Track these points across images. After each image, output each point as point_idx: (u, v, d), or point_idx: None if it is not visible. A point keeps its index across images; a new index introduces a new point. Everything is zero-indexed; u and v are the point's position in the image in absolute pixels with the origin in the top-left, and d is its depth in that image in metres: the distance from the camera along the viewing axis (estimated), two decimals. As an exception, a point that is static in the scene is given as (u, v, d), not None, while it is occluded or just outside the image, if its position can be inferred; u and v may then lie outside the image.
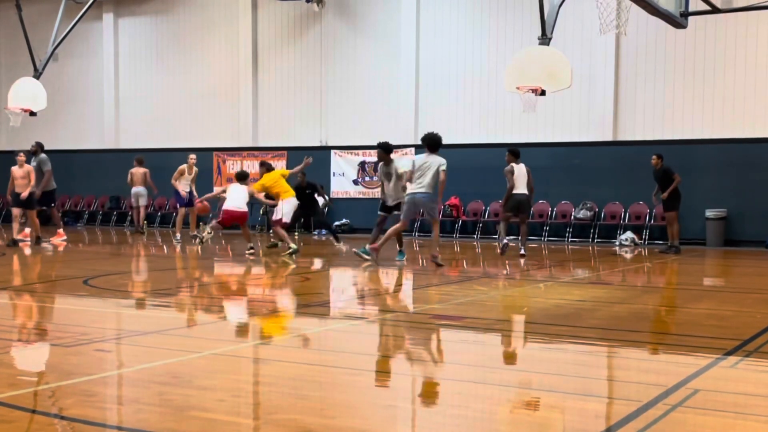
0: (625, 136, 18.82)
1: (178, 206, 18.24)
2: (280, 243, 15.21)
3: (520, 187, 13.86)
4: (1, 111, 20.37)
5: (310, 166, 15.27)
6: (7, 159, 26.65)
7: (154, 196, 21.72)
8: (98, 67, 25.31)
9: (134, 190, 20.49)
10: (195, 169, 18.12)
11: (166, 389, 4.59)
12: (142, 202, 20.68)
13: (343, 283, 11.40)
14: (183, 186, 17.67)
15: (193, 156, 18.19)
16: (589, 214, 18.90)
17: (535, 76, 13.27)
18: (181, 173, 17.67)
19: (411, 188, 11.92)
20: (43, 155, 17.46)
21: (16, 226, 15.94)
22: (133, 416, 4.11)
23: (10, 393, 4.40)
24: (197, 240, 15.52)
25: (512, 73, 13.63)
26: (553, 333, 6.68)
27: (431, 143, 11.97)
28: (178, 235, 17.63)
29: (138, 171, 20.39)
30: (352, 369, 5.34)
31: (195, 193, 17.98)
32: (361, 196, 21.63)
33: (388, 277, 11.73)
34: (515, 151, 14.20)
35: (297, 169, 15.62)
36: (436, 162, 11.79)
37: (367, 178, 21.60)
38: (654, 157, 15.41)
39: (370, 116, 21.49)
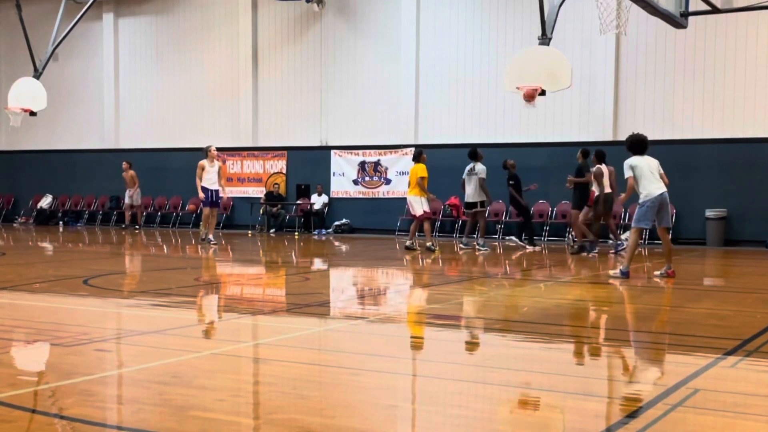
0: (625, 136, 18.56)
1: (201, 206, 16.91)
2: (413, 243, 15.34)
3: (608, 187, 14.74)
4: (1, 111, 20.38)
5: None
6: (8, 159, 26.76)
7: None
8: (98, 67, 25.31)
9: (135, 191, 22.18)
10: (217, 162, 16.53)
11: (166, 389, 4.59)
12: (129, 201, 22.57)
13: (343, 283, 11.40)
14: (208, 182, 16.19)
15: (212, 147, 16.61)
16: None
17: (535, 76, 13.27)
18: (202, 168, 16.27)
19: (657, 187, 10.62)
20: None
21: None
22: (133, 416, 4.11)
23: (10, 393, 4.40)
24: (206, 241, 15.79)
25: (512, 72, 13.63)
26: (553, 333, 6.68)
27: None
28: (211, 236, 16.54)
29: (128, 175, 22.22)
30: (352, 369, 5.34)
31: (224, 191, 16.68)
32: (361, 196, 21.62)
33: (388, 277, 11.74)
34: (601, 153, 14.82)
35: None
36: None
37: (367, 178, 21.59)
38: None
39: (370, 116, 21.49)
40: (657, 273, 11.02)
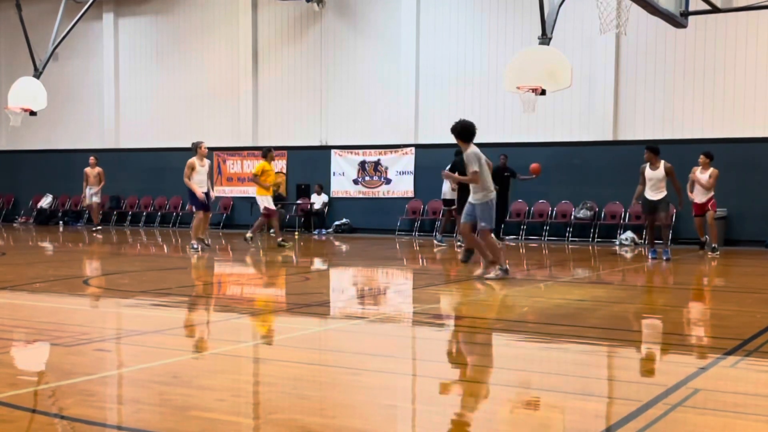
0: (625, 136, 18.81)
1: (194, 209, 15.12)
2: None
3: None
4: (1, 111, 20.37)
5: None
6: (8, 159, 26.75)
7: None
8: (98, 67, 25.31)
9: (93, 189, 21.21)
10: (207, 161, 14.79)
11: (166, 389, 4.59)
12: (96, 199, 21.32)
13: (343, 283, 11.39)
14: (198, 184, 14.55)
15: (203, 143, 14.86)
16: (589, 213, 18.91)
17: (535, 76, 13.29)
18: (192, 168, 14.49)
19: (491, 185, 10.39)
20: None
21: None
22: (133, 416, 4.11)
23: (10, 393, 4.40)
24: (198, 247, 14.63)
25: (512, 73, 13.65)
26: (553, 333, 6.68)
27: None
28: (194, 241, 14.83)
29: (94, 171, 21.31)
30: (352, 369, 5.34)
31: (212, 192, 15.27)
32: (361, 195, 21.62)
33: (388, 277, 11.74)
34: (655, 149, 13.82)
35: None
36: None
37: (367, 178, 21.59)
38: (502, 156, 14.59)
39: (370, 116, 21.49)
40: (480, 272, 10.33)
